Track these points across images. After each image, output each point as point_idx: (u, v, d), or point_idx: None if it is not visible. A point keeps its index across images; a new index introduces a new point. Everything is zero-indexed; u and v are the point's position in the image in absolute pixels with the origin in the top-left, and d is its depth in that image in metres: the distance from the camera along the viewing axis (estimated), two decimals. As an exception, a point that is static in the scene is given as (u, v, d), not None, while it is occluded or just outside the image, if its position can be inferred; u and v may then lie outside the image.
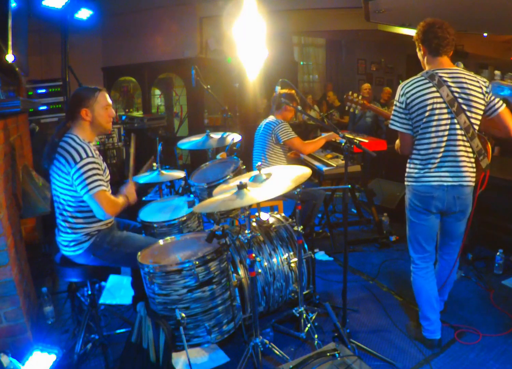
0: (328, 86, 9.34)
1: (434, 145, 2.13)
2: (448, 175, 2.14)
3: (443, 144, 2.12)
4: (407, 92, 2.12)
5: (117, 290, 3.05)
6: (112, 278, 3.15)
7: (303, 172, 2.13)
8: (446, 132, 2.11)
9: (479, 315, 2.64)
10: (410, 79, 2.16)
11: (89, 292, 2.31)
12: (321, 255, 3.67)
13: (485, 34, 6.39)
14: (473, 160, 2.17)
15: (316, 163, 3.92)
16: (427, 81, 2.09)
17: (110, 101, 2.24)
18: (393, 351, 2.32)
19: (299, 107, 2.76)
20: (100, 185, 2.06)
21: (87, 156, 2.06)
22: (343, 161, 3.26)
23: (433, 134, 2.11)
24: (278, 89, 2.51)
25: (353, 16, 6.81)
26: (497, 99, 2.12)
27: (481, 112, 2.12)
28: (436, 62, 2.13)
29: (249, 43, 2.95)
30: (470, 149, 2.15)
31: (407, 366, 2.20)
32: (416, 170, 2.22)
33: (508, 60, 8.84)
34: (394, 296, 2.97)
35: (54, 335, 2.56)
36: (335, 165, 3.69)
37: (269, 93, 3.74)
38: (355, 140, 2.29)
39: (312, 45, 10.27)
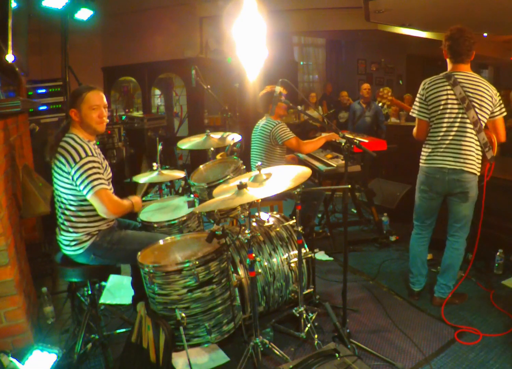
0: (327, 86, 9.32)
1: (445, 133, 2.50)
2: (452, 160, 2.50)
3: (453, 133, 2.48)
4: (427, 88, 2.53)
5: (117, 290, 3.05)
6: (112, 278, 3.15)
7: (303, 172, 2.13)
8: (457, 124, 2.47)
9: (479, 315, 2.65)
10: (432, 77, 2.56)
11: (89, 292, 2.31)
12: (321, 255, 3.67)
13: (485, 34, 6.38)
14: (479, 152, 2.50)
15: (316, 163, 3.92)
16: (444, 80, 2.47)
17: (100, 102, 2.14)
18: (393, 351, 2.32)
19: (299, 107, 2.76)
20: (101, 183, 2.06)
21: (87, 155, 2.06)
22: (343, 161, 3.27)
23: (445, 124, 2.49)
24: (279, 89, 2.51)
25: (353, 16, 6.81)
26: (500, 107, 2.47)
27: (489, 112, 2.46)
28: (455, 66, 2.50)
29: (249, 43, 2.95)
30: (476, 142, 2.47)
31: (407, 366, 2.20)
32: (427, 153, 2.61)
33: (508, 60, 8.83)
34: (394, 296, 2.97)
35: (54, 335, 2.56)
36: (335, 165, 3.69)
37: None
38: (355, 140, 2.30)
39: (312, 45, 10.27)
